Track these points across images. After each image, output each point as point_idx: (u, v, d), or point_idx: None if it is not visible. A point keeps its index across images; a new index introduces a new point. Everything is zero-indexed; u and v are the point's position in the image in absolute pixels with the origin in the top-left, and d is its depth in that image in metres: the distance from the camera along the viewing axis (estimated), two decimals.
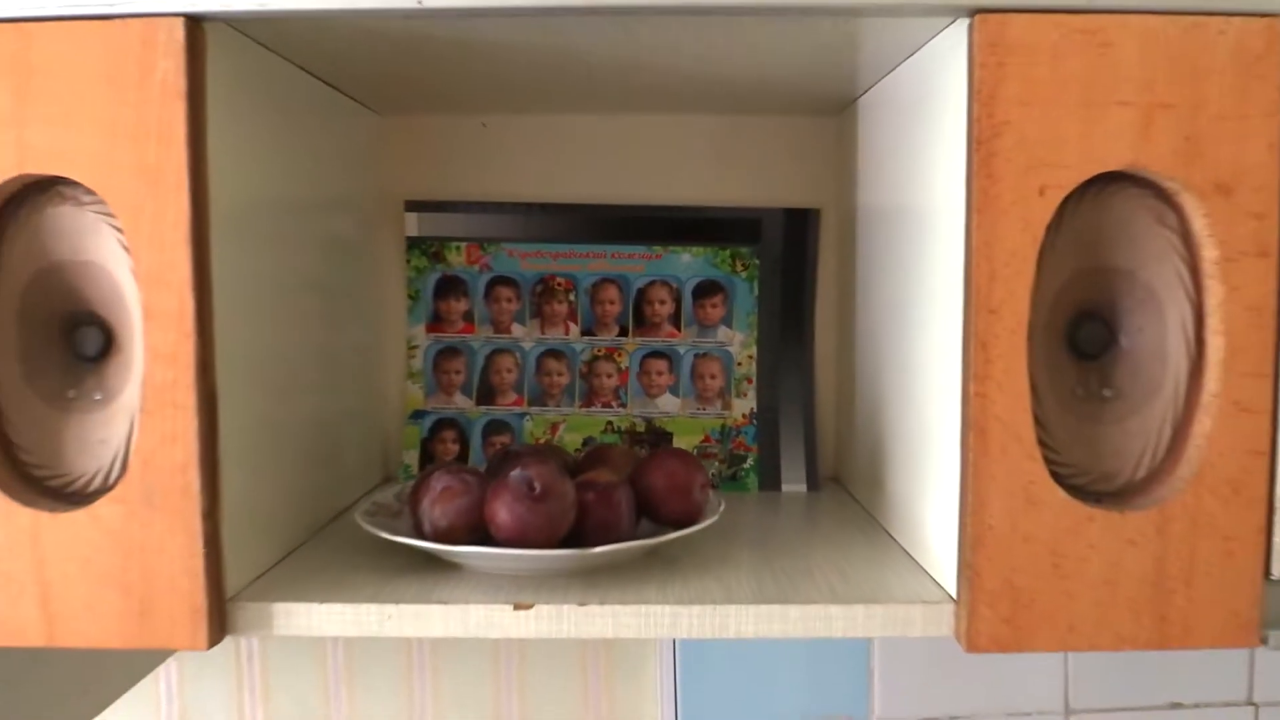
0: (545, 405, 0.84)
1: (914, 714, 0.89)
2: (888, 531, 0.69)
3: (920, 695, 0.89)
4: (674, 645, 0.88)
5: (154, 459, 0.52)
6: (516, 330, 0.84)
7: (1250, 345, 0.52)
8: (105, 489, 0.54)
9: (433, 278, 0.85)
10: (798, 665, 0.88)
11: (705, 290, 0.84)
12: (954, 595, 0.54)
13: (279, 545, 0.63)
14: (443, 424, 0.84)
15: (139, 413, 0.52)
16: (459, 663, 0.89)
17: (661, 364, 0.84)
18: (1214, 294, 0.52)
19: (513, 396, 0.84)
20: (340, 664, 0.89)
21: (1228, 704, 0.90)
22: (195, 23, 0.51)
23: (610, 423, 0.84)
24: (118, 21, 0.51)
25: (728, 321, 0.84)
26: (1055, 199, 0.51)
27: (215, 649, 0.89)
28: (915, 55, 0.62)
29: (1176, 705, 0.90)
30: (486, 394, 0.84)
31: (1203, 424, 0.53)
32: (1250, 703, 0.90)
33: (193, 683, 0.90)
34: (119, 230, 0.53)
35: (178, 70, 0.51)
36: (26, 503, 0.53)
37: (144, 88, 0.51)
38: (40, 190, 0.54)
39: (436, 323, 0.85)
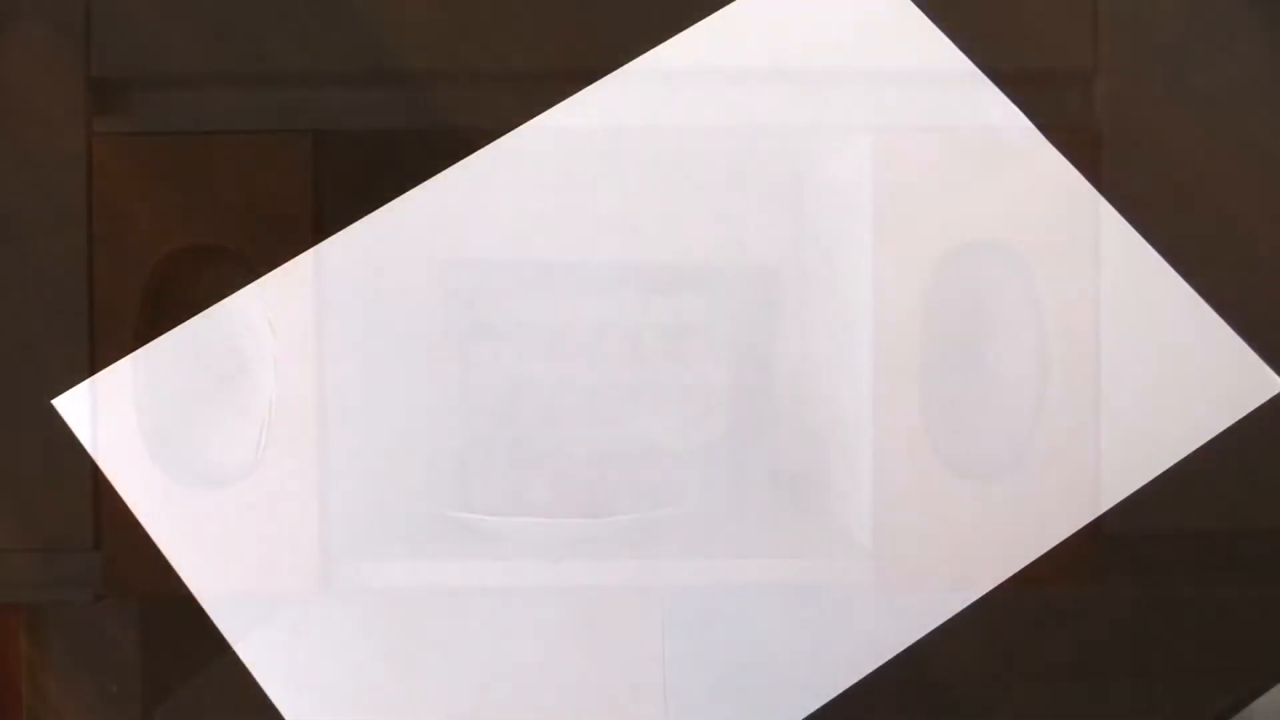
0: None
1: None
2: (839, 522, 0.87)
3: None
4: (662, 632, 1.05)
5: (281, 458, 0.70)
6: None
7: (1080, 372, 0.72)
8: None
9: None
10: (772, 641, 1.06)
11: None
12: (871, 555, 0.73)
13: None
14: None
15: (267, 424, 0.70)
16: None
17: None
18: (1056, 332, 0.73)
19: None
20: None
21: None
22: (320, 134, 0.71)
23: None
24: (265, 134, 0.70)
25: None
26: (937, 263, 0.72)
27: None
28: None
29: None
30: None
31: (1051, 425, 0.73)
32: None
33: None
34: (259, 285, 0.71)
35: (307, 169, 0.70)
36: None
37: (284, 183, 0.70)
38: (197, 253, 0.72)
39: None
